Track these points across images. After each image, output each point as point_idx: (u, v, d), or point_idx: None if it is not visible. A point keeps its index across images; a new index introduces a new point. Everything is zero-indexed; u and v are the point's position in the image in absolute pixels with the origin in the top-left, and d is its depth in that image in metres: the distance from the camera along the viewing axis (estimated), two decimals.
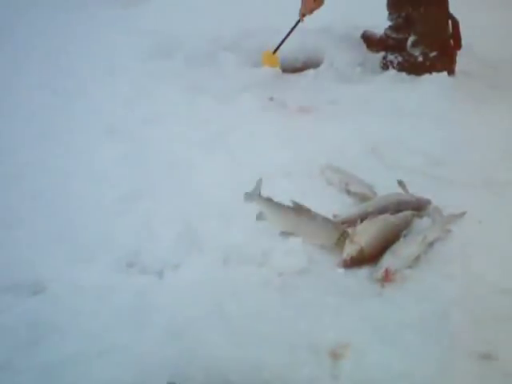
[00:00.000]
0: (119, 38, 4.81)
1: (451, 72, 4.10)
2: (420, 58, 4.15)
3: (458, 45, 4.15)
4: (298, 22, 4.24)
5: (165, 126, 3.47)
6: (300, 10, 4.21)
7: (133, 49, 4.56)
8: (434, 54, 4.13)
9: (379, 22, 4.54)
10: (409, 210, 2.67)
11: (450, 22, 4.14)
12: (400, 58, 4.22)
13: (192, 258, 2.43)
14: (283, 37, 4.27)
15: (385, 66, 4.29)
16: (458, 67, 4.15)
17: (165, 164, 3.07)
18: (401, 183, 2.81)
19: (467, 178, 2.94)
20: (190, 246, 2.48)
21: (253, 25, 4.84)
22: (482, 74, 4.17)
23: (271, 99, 3.84)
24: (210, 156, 3.15)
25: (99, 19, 5.31)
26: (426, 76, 4.04)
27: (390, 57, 4.28)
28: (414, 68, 4.13)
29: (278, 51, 4.31)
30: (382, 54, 4.37)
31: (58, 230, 2.60)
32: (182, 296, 2.24)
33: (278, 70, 4.28)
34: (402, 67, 4.19)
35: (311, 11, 4.19)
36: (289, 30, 4.26)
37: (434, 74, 4.03)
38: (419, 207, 2.72)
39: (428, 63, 4.12)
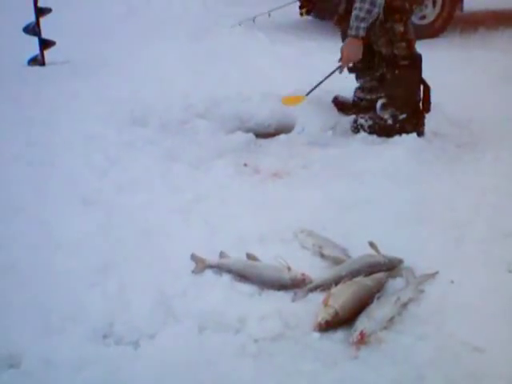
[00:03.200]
0: (90, 106, 4.85)
1: (420, 133, 4.20)
2: (390, 121, 4.23)
3: (427, 108, 4.26)
4: (337, 69, 4.25)
5: (139, 195, 3.48)
6: (340, 60, 4.22)
7: (105, 117, 4.59)
8: (403, 116, 4.22)
9: (347, 84, 4.65)
10: (382, 271, 2.71)
11: (421, 86, 4.24)
12: (370, 122, 4.31)
13: (167, 328, 2.42)
14: (319, 82, 4.33)
15: (355, 129, 4.37)
16: (427, 127, 4.25)
17: (139, 232, 3.08)
18: (372, 244, 2.84)
19: (439, 238, 2.99)
20: (166, 315, 2.48)
21: (223, 92, 4.93)
22: (451, 134, 4.27)
23: (245, 165, 3.88)
24: (185, 223, 3.18)
25: (68, 89, 5.35)
26: (396, 138, 4.12)
27: (361, 120, 4.36)
28: (383, 130, 4.23)
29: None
30: (353, 117, 4.45)
31: (32, 301, 2.57)
32: (157, 366, 2.23)
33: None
34: (372, 130, 4.28)
35: (350, 61, 4.24)
36: (326, 75, 4.30)
37: (404, 136, 4.11)
38: (392, 267, 2.76)
39: (398, 125, 4.21)
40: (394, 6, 4.11)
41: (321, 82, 4.31)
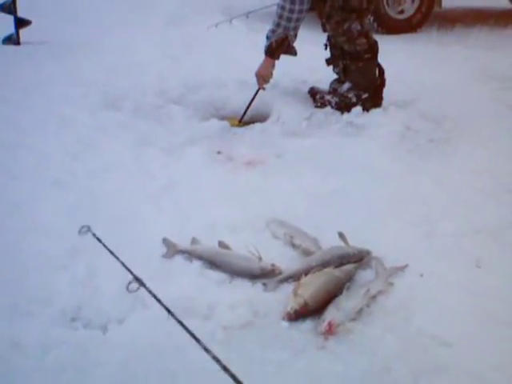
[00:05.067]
0: (64, 88, 4.81)
1: (379, 106, 4.58)
2: (354, 99, 4.53)
3: (383, 84, 4.60)
4: (258, 90, 4.45)
5: (111, 179, 3.46)
6: (257, 82, 4.45)
7: (79, 100, 4.57)
8: (365, 95, 4.53)
9: (322, 77, 4.73)
10: (351, 262, 2.72)
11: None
12: (336, 99, 4.57)
13: (136, 313, 2.41)
14: (246, 106, 4.45)
15: (322, 104, 4.60)
16: (401, 123, 4.29)
17: (110, 217, 3.05)
18: (341, 235, 2.86)
19: (410, 232, 3.00)
20: (134, 301, 2.46)
21: (198, 78, 4.93)
22: (425, 130, 4.29)
23: (218, 153, 3.87)
24: (156, 209, 3.16)
25: (43, 70, 5.30)
26: (370, 131, 4.17)
27: (327, 97, 4.60)
28: (347, 107, 4.52)
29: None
30: (319, 95, 4.67)
31: None
32: (125, 351, 2.21)
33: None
34: (338, 106, 4.56)
35: (268, 80, 4.46)
36: (250, 99, 4.46)
37: (378, 130, 4.18)
38: (360, 258, 2.77)
39: (360, 103, 4.52)
40: (350, 7, 4.21)
41: (248, 107, 4.47)
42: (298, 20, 4.19)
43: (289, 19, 4.16)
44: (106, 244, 2.70)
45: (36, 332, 2.29)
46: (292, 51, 4.38)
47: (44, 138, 3.95)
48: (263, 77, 4.42)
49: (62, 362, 2.16)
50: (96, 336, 2.31)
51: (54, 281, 2.57)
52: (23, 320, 2.36)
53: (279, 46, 4.29)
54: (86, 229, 2.82)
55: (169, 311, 2.26)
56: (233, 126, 4.38)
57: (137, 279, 2.41)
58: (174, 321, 2.31)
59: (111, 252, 2.62)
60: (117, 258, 2.57)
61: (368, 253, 2.80)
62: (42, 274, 2.62)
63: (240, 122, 4.44)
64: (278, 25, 4.22)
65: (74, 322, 2.39)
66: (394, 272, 2.66)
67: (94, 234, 2.78)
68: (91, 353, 2.21)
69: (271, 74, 4.43)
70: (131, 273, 2.44)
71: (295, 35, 4.32)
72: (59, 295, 2.49)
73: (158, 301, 2.31)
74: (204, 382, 2.10)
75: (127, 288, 2.40)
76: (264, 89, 4.46)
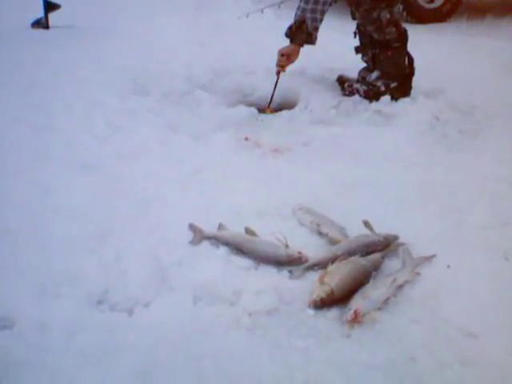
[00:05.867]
0: (93, 73, 4.83)
1: (408, 95, 4.53)
2: (382, 88, 4.50)
3: (412, 73, 4.56)
4: (278, 74, 4.41)
5: (139, 163, 3.47)
6: (277, 60, 4.37)
7: (108, 84, 4.57)
8: (394, 84, 4.50)
9: (350, 65, 4.73)
10: (378, 250, 2.72)
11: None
12: (365, 87, 4.54)
13: (162, 297, 2.42)
14: (271, 92, 4.42)
15: (350, 93, 4.59)
16: (430, 113, 4.25)
17: (138, 201, 3.07)
18: (366, 223, 2.86)
19: (437, 222, 2.98)
20: (161, 285, 2.48)
21: (226, 65, 4.94)
22: (453, 120, 4.25)
23: (246, 139, 3.86)
24: (184, 194, 3.16)
25: (72, 54, 5.33)
26: (398, 121, 4.16)
27: (356, 85, 4.58)
28: (376, 95, 4.49)
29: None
30: (348, 83, 4.65)
31: (28, 265, 2.58)
32: (151, 335, 2.23)
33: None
34: (366, 95, 4.52)
35: (284, 67, 4.39)
36: (273, 85, 4.42)
37: (406, 119, 4.16)
38: (387, 245, 2.77)
39: (388, 92, 4.49)
40: None
41: (273, 93, 4.43)
42: (315, 2, 4.12)
43: (306, 1, 4.14)
44: (133, 229, 2.72)
45: (63, 314, 2.31)
46: (310, 39, 4.26)
47: (72, 122, 3.97)
48: (284, 55, 4.32)
49: (88, 344, 2.18)
50: (122, 319, 2.33)
51: (81, 263, 2.59)
52: (50, 302, 2.38)
53: (297, 30, 4.22)
54: None
55: None
56: (265, 113, 4.37)
57: None
58: (199, 305, 2.33)
59: None
60: None
61: (395, 238, 2.80)
62: (70, 256, 2.64)
63: (269, 107, 4.42)
64: (298, 7, 4.21)
65: (101, 305, 2.41)
66: (422, 262, 2.65)
67: None
68: (117, 335, 2.23)
69: (293, 57, 4.33)
70: None
71: (313, 20, 4.18)
72: (86, 278, 2.51)
73: None
74: (230, 365, 2.11)
75: None
76: (284, 71, 4.39)
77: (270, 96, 4.41)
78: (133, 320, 2.32)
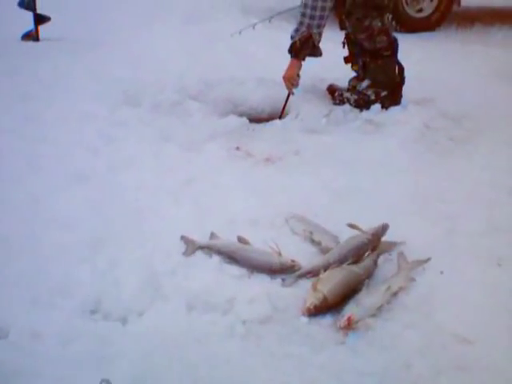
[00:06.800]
0: (83, 84, 4.83)
1: (398, 104, 4.54)
2: (372, 97, 4.51)
3: (403, 82, 4.58)
4: (289, 94, 4.42)
5: (131, 174, 3.48)
6: (286, 86, 4.40)
7: (99, 96, 4.57)
8: (384, 93, 4.52)
9: (341, 75, 4.77)
10: (369, 249, 2.74)
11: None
12: (355, 96, 4.56)
13: (156, 306, 2.42)
14: (281, 109, 4.45)
15: (341, 101, 4.60)
16: (420, 121, 4.26)
17: (130, 211, 3.07)
18: (352, 225, 2.86)
19: (430, 229, 2.99)
20: (155, 294, 2.48)
21: (217, 75, 4.93)
22: (444, 128, 4.26)
23: (237, 149, 3.87)
24: (176, 204, 3.17)
25: (63, 66, 5.33)
26: (388, 129, 4.17)
27: (347, 94, 4.59)
28: (366, 104, 4.51)
29: None
30: (338, 92, 4.66)
31: (21, 275, 2.57)
32: (145, 343, 2.22)
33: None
34: (356, 104, 4.54)
35: (295, 82, 4.40)
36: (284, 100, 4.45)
37: (397, 127, 4.17)
38: (378, 240, 2.81)
39: (379, 101, 4.50)
40: (374, 3, 4.22)
41: (283, 109, 4.46)
42: (321, 18, 4.13)
43: (312, 17, 4.12)
44: (126, 239, 2.72)
45: (57, 323, 2.31)
46: (317, 52, 4.32)
47: (65, 133, 3.97)
48: (289, 79, 4.35)
49: (82, 352, 2.18)
50: (116, 328, 2.32)
51: (74, 273, 2.59)
52: (44, 311, 2.38)
53: (303, 46, 4.23)
54: None
55: None
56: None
57: None
58: (193, 314, 2.33)
59: None
60: None
61: (385, 228, 2.83)
62: (63, 266, 2.64)
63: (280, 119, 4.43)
64: (301, 23, 4.19)
65: (94, 314, 2.40)
66: (417, 265, 2.66)
67: None
68: (111, 344, 2.22)
69: (298, 76, 4.37)
70: None
71: (319, 34, 4.24)
72: (79, 287, 2.51)
73: None
74: (225, 373, 2.10)
75: None
76: (293, 93, 4.42)
77: (261, 106, 4.42)
78: (127, 329, 2.32)
